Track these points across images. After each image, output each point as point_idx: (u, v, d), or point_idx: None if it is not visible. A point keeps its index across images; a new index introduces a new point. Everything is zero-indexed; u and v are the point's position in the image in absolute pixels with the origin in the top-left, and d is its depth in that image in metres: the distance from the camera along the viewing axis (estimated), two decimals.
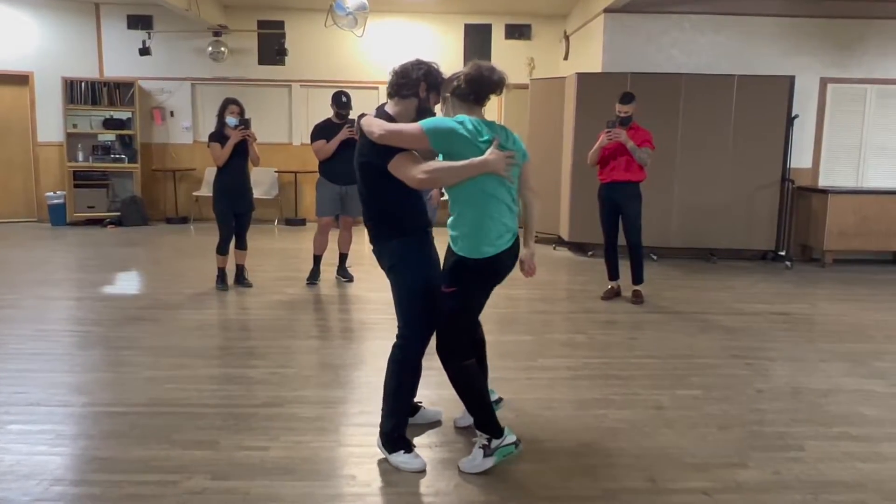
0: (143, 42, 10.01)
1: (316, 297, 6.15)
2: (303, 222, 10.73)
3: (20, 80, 10.31)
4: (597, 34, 8.65)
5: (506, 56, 10.60)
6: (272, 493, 2.74)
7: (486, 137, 2.75)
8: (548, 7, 10.19)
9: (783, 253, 8.30)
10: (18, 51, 10.19)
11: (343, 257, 6.70)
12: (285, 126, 10.91)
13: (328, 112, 6.45)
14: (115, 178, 10.44)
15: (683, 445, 3.25)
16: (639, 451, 3.18)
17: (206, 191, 9.88)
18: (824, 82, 8.57)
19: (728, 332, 5.22)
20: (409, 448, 3.03)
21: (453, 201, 2.88)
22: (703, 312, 5.82)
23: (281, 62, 10.48)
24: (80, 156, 10.26)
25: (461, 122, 2.75)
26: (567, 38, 10.25)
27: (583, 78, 8.12)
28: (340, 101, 6.28)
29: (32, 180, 10.57)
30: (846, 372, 4.37)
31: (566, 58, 10.26)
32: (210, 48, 10.38)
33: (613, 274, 6.26)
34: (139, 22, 10.34)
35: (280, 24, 10.55)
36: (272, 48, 10.37)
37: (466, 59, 10.51)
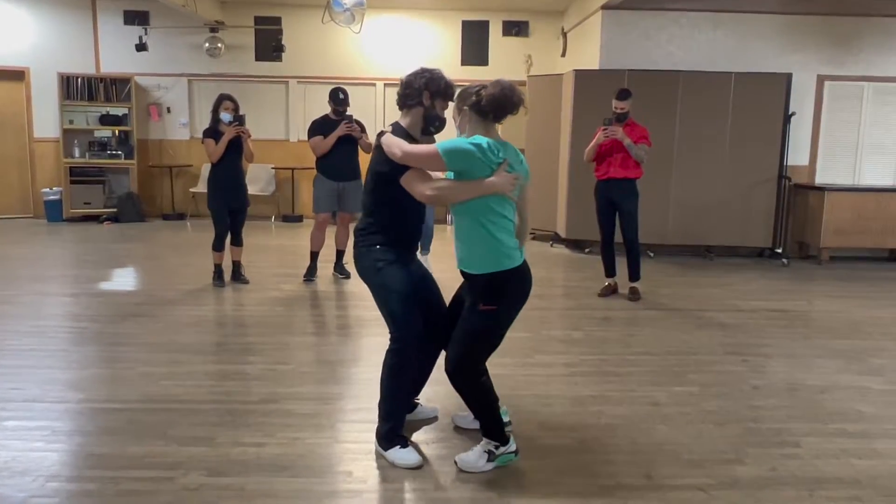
0: (140, 38, 9.98)
1: (313, 293, 6.15)
2: (300, 219, 10.72)
3: (16, 75, 10.27)
4: (594, 31, 8.64)
5: (503, 53, 10.59)
6: (268, 490, 2.74)
7: (499, 160, 2.77)
8: (545, 4, 10.17)
9: (780, 250, 8.31)
10: (14, 46, 10.16)
11: (340, 254, 6.70)
12: (282, 122, 10.89)
13: (325, 108, 6.45)
14: (111, 174, 10.40)
15: (680, 442, 3.25)
16: (635, 447, 3.19)
17: (202, 187, 9.84)
18: (821, 80, 8.58)
19: (725, 329, 5.23)
20: (404, 443, 3.05)
21: (459, 218, 2.89)
22: (699, 309, 5.83)
23: (278, 58, 10.44)
24: (77, 152, 10.23)
25: (477, 145, 2.73)
26: (564, 34, 10.24)
27: (580, 75, 8.11)
28: (338, 98, 6.27)
29: (28, 176, 10.53)
30: (842, 369, 4.38)
31: (564, 55, 10.25)
32: (207, 44, 10.34)
33: (610, 271, 6.26)
34: (136, 17, 10.29)
35: (277, 20, 10.51)
36: (269, 44, 10.34)
37: (464, 55, 10.56)
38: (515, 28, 10.69)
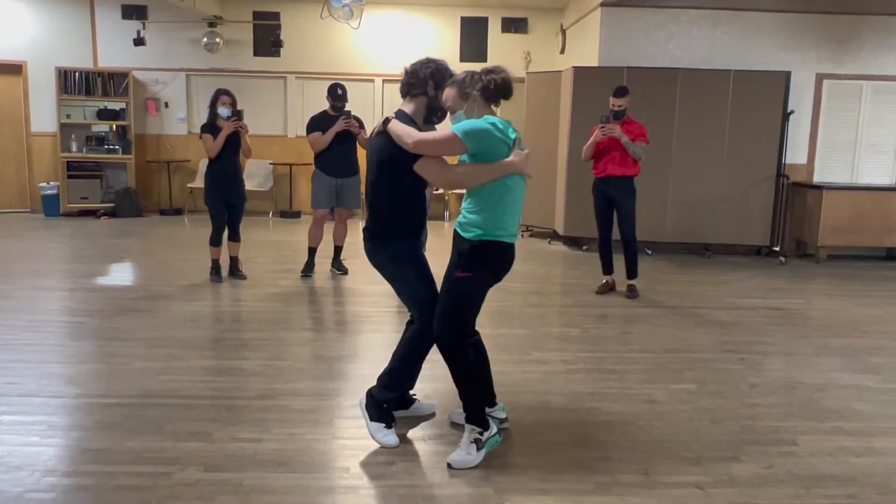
0: (138, 32, 9.95)
1: (310, 289, 6.14)
2: (298, 215, 10.70)
3: (13, 69, 10.24)
4: (593, 28, 8.63)
5: (502, 49, 10.58)
6: (265, 485, 2.73)
7: (512, 137, 2.85)
8: (544, 1, 10.16)
9: (777, 248, 8.32)
10: (12, 40, 10.13)
11: (338, 250, 6.69)
12: (280, 118, 10.87)
13: (324, 104, 6.43)
14: (108, 168, 10.38)
15: (677, 439, 3.25)
16: (632, 444, 3.19)
17: (200, 182, 9.84)
18: (820, 78, 8.58)
19: (722, 327, 5.23)
20: (388, 423, 3.13)
21: (476, 190, 2.91)
22: (697, 307, 5.83)
23: (276, 54, 10.43)
24: (74, 146, 10.20)
25: (493, 124, 2.82)
26: (563, 31, 10.23)
27: (579, 72, 8.11)
28: (336, 94, 6.26)
29: (26, 170, 10.51)
30: (839, 367, 4.38)
31: (562, 51, 10.25)
32: (205, 39, 10.31)
33: (608, 268, 6.26)
34: (133, 12, 10.27)
35: (276, 16, 10.49)
36: (267, 39, 10.32)
37: (463, 52, 10.54)
38: (514, 25, 10.68)
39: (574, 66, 8.19)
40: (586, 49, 8.96)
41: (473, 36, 10.66)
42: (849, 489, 2.83)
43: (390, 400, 3.16)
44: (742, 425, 3.44)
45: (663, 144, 7.85)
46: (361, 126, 6.29)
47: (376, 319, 4.99)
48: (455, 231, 2.99)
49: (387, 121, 2.94)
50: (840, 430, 3.41)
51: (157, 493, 2.65)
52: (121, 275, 6.66)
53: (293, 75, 10.72)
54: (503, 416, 3.29)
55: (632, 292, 6.08)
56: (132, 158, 10.30)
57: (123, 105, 10.27)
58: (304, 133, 6.40)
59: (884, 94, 8.64)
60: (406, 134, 2.84)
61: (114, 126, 10.34)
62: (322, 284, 6.30)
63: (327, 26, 9.99)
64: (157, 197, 10.83)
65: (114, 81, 10.17)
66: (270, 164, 10.67)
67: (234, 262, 6.37)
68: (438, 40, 10.55)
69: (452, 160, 2.99)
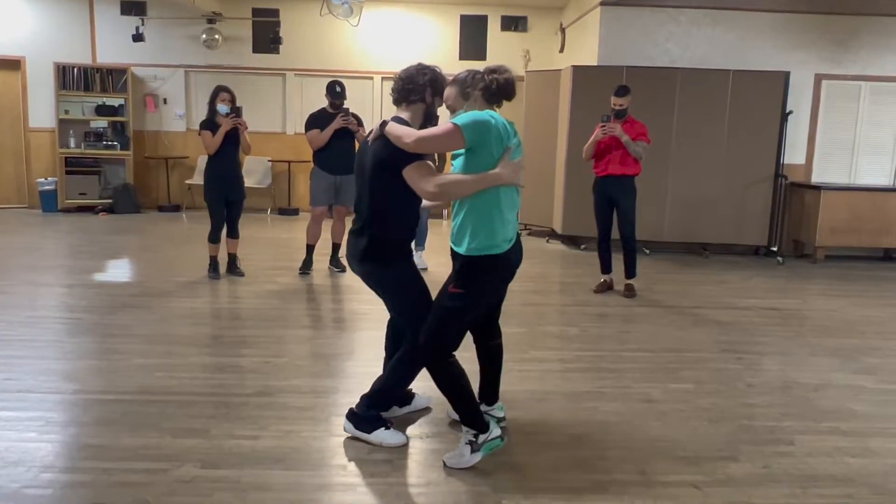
0: (137, 28, 9.93)
1: (308, 286, 6.14)
2: (296, 212, 10.70)
3: (12, 64, 10.22)
4: (593, 27, 8.63)
5: (501, 48, 10.57)
6: (262, 482, 2.73)
7: (512, 141, 2.80)
8: None
9: (775, 248, 8.33)
10: (10, 35, 10.11)
11: (336, 247, 6.69)
12: (279, 115, 10.86)
13: (322, 101, 6.44)
14: (107, 165, 10.37)
15: (674, 438, 3.26)
16: (630, 443, 3.20)
17: (198, 179, 9.84)
18: (819, 78, 8.58)
19: (720, 327, 5.24)
20: (387, 425, 3.11)
21: (466, 198, 2.86)
22: (695, 306, 5.84)
23: (275, 51, 10.42)
24: (72, 142, 10.19)
25: (492, 115, 2.79)
26: (563, 30, 10.22)
27: (578, 71, 8.11)
28: (335, 91, 6.25)
29: (24, 166, 10.49)
30: (836, 367, 4.39)
31: (562, 50, 10.24)
32: (204, 35, 10.30)
33: (606, 267, 6.27)
34: (132, 8, 10.25)
35: (275, 13, 10.48)
36: (266, 36, 10.31)
37: (462, 50, 10.54)
38: (514, 23, 10.67)
39: (573, 65, 8.19)
40: (586, 48, 8.96)
41: (473, 34, 10.65)
42: (845, 489, 2.83)
43: (379, 412, 3.14)
44: (739, 425, 3.44)
45: (662, 144, 7.85)
46: (360, 123, 6.29)
47: (374, 317, 4.97)
48: (451, 250, 2.96)
49: (384, 124, 2.90)
50: (837, 431, 3.41)
51: (155, 490, 2.65)
52: (119, 271, 6.65)
53: (292, 72, 10.71)
54: (501, 414, 3.29)
55: (630, 291, 6.09)
56: (130, 154, 10.29)
57: (122, 101, 10.26)
58: (303, 130, 6.39)
59: (882, 94, 8.65)
60: (405, 133, 2.79)
61: (112, 122, 10.32)
62: (320, 282, 6.30)
63: (327, 23, 9.99)
64: (155, 193, 10.82)
65: (112, 77, 10.16)
66: (269, 161, 10.66)
67: (232, 259, 6.37)
68: (438, 38, 10.55)
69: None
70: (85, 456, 2.92)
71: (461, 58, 10.45)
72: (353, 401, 3.21)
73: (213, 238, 6.17)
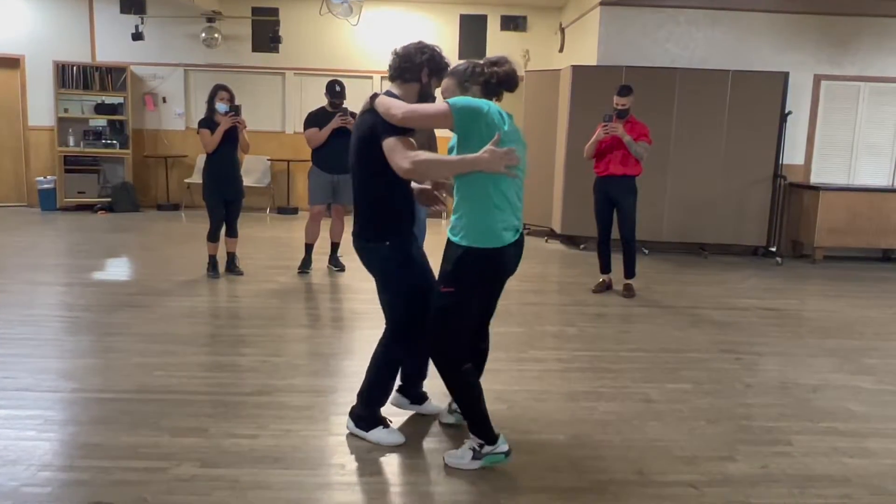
0: (136, 27, 9.93)
1: (307, 285, 6.14)
2: (295, 211, 10.70)
3: (11, 63, 10.21)
4: (592, 27, 8.63)
5: (501, 48, 10.54)
6: (261, 482, 2.74)
7: (501, 126, 2.69)
8: None
9: (774, 249, 8.33)
10: (10, 33, 10.10)
11: (335, 246, 6.69)
12: (278, 114, 10.86)
13: (322, 101, 6.44)
14: (106, 163, 10.36)
15: (672, 438, 3.26)
16: (628, 443, 3.20)
17: (197, 178, 9.83)
18: (818, 79, 8.59)
19: (718, 327, 5.24)
20: (385, 424, 3.11)
21: (459, 187, 2.80)
22: (693, 307, 5.85)
23: (275, 50, 10.41)
24: (71, 141, 10.18)
25: (486, 104, 2.71)
26: (562, 30, 10.22)
27: (578, 71, 8.11)
28: (334, 90, 6.26)
29: (22, 165, 10.48)
30: (834, 368, 4.40)
31: (561, 50, 10.24)
32: (203, 34, 10.30)
33: (605, 267, 6.27)
34: (132, 6, 10.23)
35: (274, 11, 10.47)
36: (266, 35, 10.30)
37: (461, 50, 10.53)
38: (513, 23, 10.67)
39: (573, 65, 8.19)
40: (585, 48, 8.96)
41: (472, 34, 10.65)
42: (843, 490, 2.84)
43: (374, 410, 3.13)
44: (737, 425, 3.45)
45: (661, 144, 7.84)
46: None
47: (373, 316, 4.95)
48: (448, 239, 2.88)
49: (375, 96, 2.83)
50: (834, 431, 3.42)
51: (153, 489, 2.65)
52: (117, 270, 6.65)
53: (291, 71, 10.71)
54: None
55: (629, 291, 6.09)
56: (129, 153, 10.29)
57: (121, 100, 10.25)
58: (302, 129, 6.39)
59: (881, 95, 8.65)
60: (394, 106, 2.71)
61: (111, 120, 10.32)
62: (319, 281, 6.30)
63: (326, 23, 9.99)
64: (154, 192, 10.81)
65: (112, 76, 10.16)
66: (268, 160, 10.66)
67: (231, 257, 6.37)
68: (437, 38, 10.49)
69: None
70: (83, 454, 2.92)
71: (460, 57, 10.43)
72: (351, 400, 3.21)
73: (212, 237, 6.17)
